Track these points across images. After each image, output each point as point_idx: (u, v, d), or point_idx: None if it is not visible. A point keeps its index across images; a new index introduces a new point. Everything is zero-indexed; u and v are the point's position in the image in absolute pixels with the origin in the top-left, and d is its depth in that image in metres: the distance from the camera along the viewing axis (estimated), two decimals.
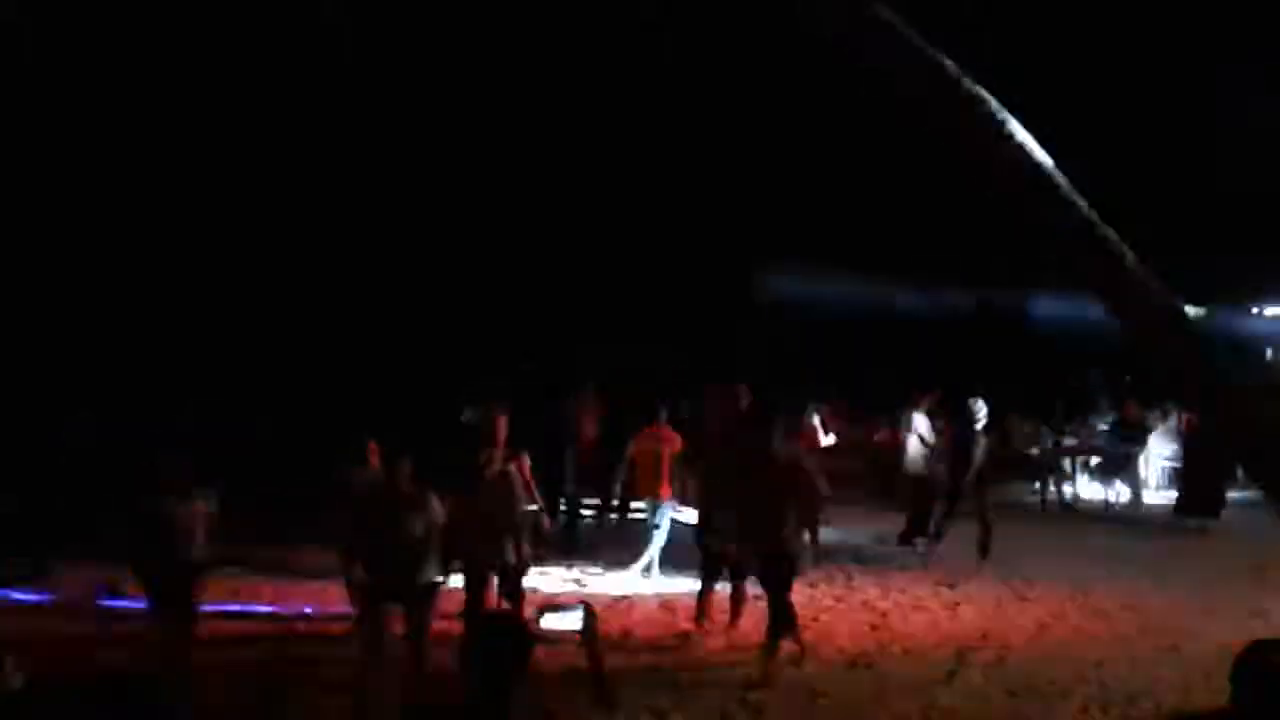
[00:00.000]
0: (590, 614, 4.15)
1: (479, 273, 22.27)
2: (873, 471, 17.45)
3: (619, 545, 13.48)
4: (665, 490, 12.19)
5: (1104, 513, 16.67)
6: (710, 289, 22.83)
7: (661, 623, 10.63)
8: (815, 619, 10.67)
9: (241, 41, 18.13)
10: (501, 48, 19.24)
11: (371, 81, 19.50)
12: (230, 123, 19.90)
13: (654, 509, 12.25)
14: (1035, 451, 17.69)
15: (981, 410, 13.30)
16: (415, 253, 21.88)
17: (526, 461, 9.97)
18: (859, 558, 13.29)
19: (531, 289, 22.27)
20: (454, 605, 8.74)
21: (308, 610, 10.72)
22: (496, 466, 9.03)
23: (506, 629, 3.87)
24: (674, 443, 12.31)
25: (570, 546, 13.66)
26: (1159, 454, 18.08)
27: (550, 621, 3.97)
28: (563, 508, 14.18)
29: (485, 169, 21.55)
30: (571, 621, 4.10)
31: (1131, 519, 16.31)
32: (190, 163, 20.24)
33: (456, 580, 8.61)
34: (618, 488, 13.61)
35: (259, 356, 19.60)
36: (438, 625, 8.22)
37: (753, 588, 9.64)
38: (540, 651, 4.02)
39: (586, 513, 14.85)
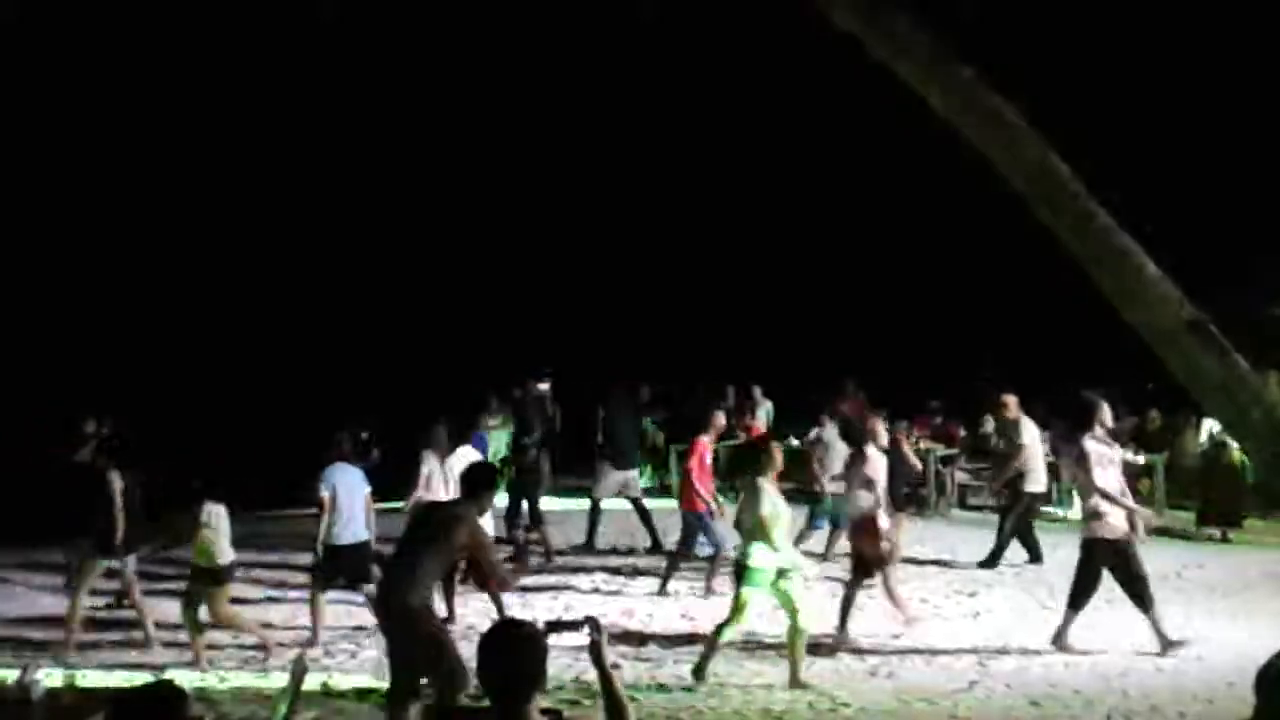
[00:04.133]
0: (596, 629, 4.13)
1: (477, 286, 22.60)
2: None
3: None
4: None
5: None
6: None
7: (682, 632, 10.68)
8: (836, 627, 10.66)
9: (245, 54, 18.31)
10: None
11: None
12: (220, 146, 20.19)
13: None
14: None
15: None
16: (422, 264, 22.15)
17: None
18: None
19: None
20: None
21: None
22: None
23: (523, 636, 3.87)
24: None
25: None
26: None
27: (557, 638, 3.96)
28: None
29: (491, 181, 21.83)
30: (578, 638, 4.09)
31: (1151, 528, 16.19)
32: (189, 176, 20.52)
33: None
34: None
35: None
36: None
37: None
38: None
39: None
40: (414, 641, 7.26)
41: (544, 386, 17.08)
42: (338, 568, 10.47)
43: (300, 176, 21.37)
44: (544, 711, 3.79)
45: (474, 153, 21.92)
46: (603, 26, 17.55)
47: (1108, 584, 12.36)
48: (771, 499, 9.00)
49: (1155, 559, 13.94)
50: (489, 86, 20.79)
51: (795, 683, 8.90)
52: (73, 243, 20.48)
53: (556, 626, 4.11)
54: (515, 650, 3.79)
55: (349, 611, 11.24)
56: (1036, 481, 13.61)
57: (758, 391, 20.34)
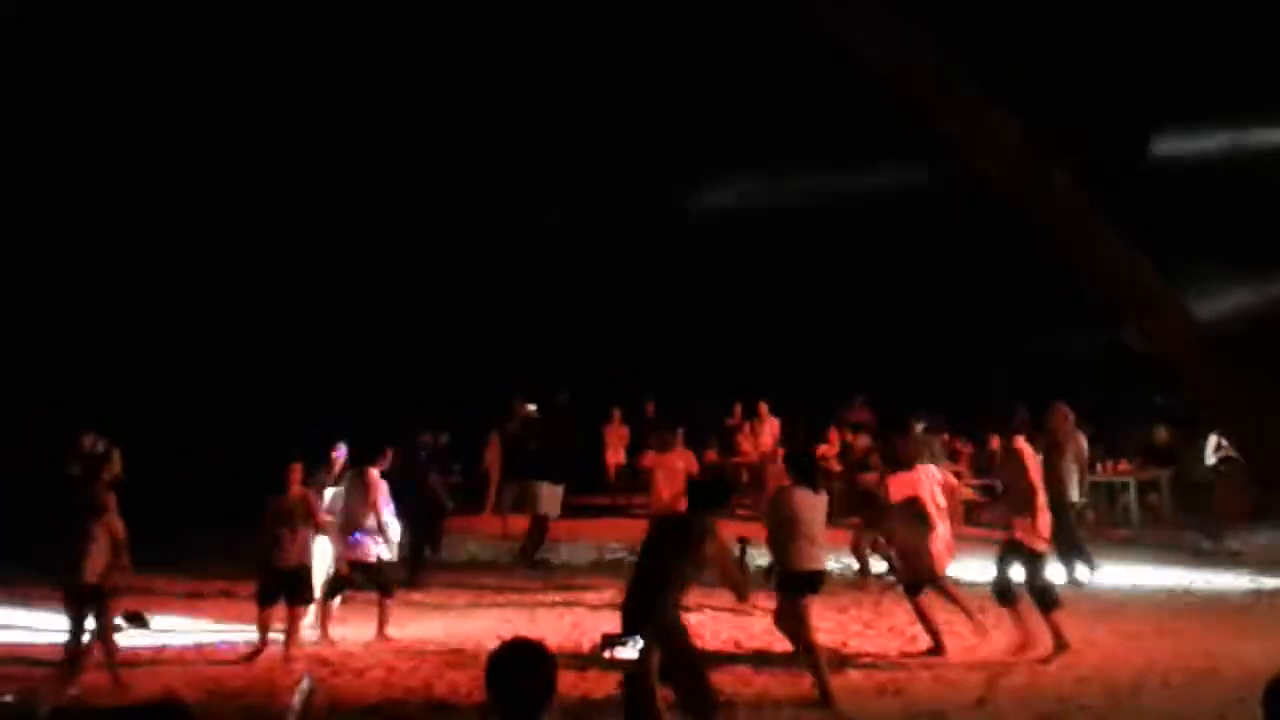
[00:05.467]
0: (647, 645, 4.16)
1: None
2: None
3: None
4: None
5: (1132, 536, 16.53)
6: None
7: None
8: (844, 644, 10.64)
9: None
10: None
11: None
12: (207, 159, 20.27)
13: None
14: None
15: None
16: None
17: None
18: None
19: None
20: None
21: None
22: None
23: (532, 653, 3.87)
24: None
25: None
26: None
27: (610, 651, 4.01)
28: None
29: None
30: (630, 651, 4.13)
31: (1160, 543, 16.17)
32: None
33: None
34: None
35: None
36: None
37: None
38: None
39: None
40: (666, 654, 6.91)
41: (531, 407, 17.15)
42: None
43: (290, 184, 21.46)
44: None
45: (469, 158, 21.90)
46: (601, 42, 17.62)
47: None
48: None
49: (1165, 574, 14.01)
50: (469, 93, 20.79)
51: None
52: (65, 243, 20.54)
53: (610, 640, 4.15)
54: (525, 667, 3.79)
55: (349, 628, 11.23)
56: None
57: (764, 408, 20.34)
